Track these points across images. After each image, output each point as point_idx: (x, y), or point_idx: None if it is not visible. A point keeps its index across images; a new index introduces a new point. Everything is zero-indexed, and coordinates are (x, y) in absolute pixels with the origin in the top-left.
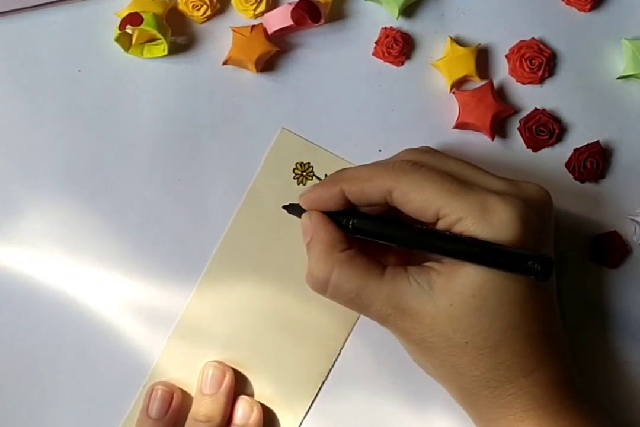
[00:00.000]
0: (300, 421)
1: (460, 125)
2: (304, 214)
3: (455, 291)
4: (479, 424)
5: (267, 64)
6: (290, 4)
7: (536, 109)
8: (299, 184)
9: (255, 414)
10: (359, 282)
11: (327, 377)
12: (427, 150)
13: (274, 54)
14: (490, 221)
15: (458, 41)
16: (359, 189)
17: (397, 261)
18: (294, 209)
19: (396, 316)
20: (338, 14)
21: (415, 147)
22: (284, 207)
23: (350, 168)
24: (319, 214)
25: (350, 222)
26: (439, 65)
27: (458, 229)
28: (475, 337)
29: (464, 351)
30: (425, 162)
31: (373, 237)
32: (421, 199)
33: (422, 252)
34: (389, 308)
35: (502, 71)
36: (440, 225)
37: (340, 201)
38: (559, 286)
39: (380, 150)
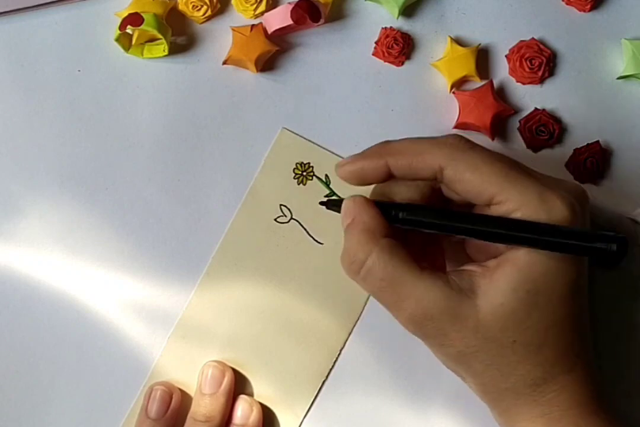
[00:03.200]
0: (300, 421)
1: (460, 125)
2: (346, 199)
3: (507, 288)
4: (510, 424)
5: (267, 64)
6: (290, 3)
7: (536, 109)
8: (299, 184)
9: (255, 414)
10: (395, 271)
11: (327, 377)
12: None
13: (274, 53)
14: (549, 213)
15: (458, 41)
16: (406, 163)
17: (435, 264)
18: (333, 203)
19: (433, 319)
20: (338, 14)
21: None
22: (321, 203)
23: (396, 140)
24: (363, 198)
25: (400, 214)
26: (439, 65)
27: (514, 217)
28: (523, 334)
29: (512, 350)
30: (477, 144)
31: (424, 227)
32: (477, 180)
33: (484, 242)
34: (423, 308)
35: (502, 71)
36: (493, 212)
37: (382, 175)
38: None
39: None
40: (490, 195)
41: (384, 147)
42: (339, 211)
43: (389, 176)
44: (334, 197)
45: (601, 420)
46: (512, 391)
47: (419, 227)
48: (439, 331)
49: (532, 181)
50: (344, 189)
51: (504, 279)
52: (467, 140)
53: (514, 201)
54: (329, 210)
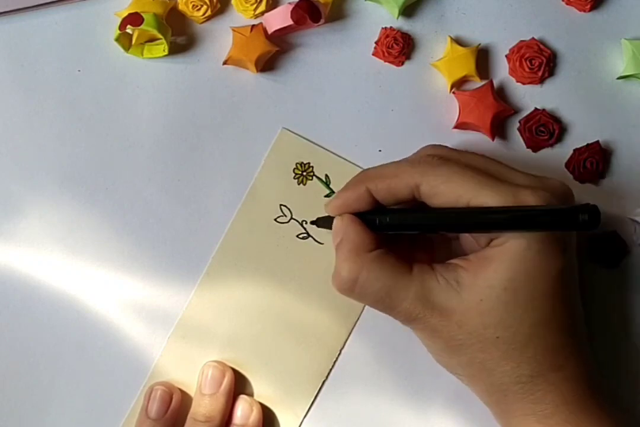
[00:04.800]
0: (300, 421)
1: (460, 126)
2: (336, 218)
3: (485, 285)
4: (504, 421)
5: (267, 64)
6: (290, 4)
7: (536, 109)
8: (299, 184)
9: (255, 414)
10: (387, 281)
11: (327, 377)
12: (448, 147)
13: (274, 53)
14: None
15: (458, 41)
16: (385, 186)
17: (423, 260)
18: (324, 222)
19: (425, 314)
20: (338, 14)
21: (437, 144)
22: (312, 222)
23: (372, 167)
24: (350, 216)
25: (380, 220)
26: (439, 65)
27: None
28: (506, 332)
29: (496, 346)
30: (449, 157)
31: (410, 229)
32: (450, 191)
33: (454, 236)
34: (418, 306)
35: (502, 71)
36: None
37: (367, 200)
38: None
39: (380, 150)
40: (467, 202)
41: (364, 174)
42: (329, 228)
43: (375, 202)
44: (324, 216)
45: (593, 417)
46: (498, 386)
47: (404, 231)
48: (429, 324)
49: (504, 183)
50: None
51: (483, 276)
52: (440, 157)
53: (489, 203)
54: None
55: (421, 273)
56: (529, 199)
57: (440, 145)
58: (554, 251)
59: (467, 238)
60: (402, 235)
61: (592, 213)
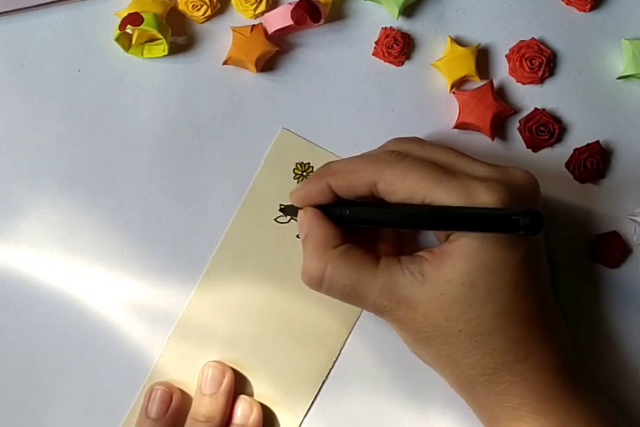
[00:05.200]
0: (300, 421)
1: (460, 126)
2: (300, 211)
3: (445, 279)
4: (477, 412)
5: (267, 64)
6: (290, 4)
7: (536, 109)
8: (299, 184)
9: (255, 414)
10: (353, 276)
11: (327, 377)
12: (414, 139)
13: (274, 54)
14: (473, 204)
15: (458, 41)
16: (344, 182)
17: (391, 251)
18: (291, 210)
19: (392, 307)
20: (338, 14)
21: (403, 136)
22: (281, 209)
23: (336, 161)
24: (313, 210)
25: (340, 213)
26: (439, 65)
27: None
28: (468, 325)
29: (458, 339)
30: (410, 151)
31: (367, 223)
32: (406, 188)
33: (416, 230)
34: (384, 299)
35: (502, 71)
36: None
37: (329, 195)
38: (557, 285)
39: None
40: (421, 200)
41: (326, 168)
42: (296, 216)
43: (337, 196)
44: (290, 204)
45: (564, 406)
46: (465, 378)
47: (362, 224)
48: (396, 317)
49: (458, 178)
50: None
51: (443, 270)
52: (399, 153)
53: (441, 200)
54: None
55: (387, 266)
56: (481, 195)
57: (404, 138)
58: (511, 243)
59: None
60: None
61: (533, 218)
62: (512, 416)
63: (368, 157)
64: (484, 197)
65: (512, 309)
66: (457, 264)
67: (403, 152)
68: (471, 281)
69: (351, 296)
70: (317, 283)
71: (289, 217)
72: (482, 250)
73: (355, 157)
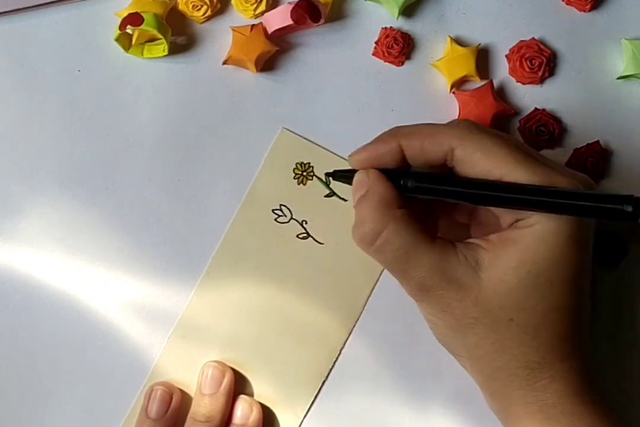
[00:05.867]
0: (300, 421)
1: None
2: (359, 171)
3: (508, 266)
4: (502, 408)
5: (267, 64)
6: (290, 3)
7: (536, 109)
8: (299, 184)
9: (255, 414)
10: (411, 242)
11: (327, 377)
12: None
13: (274, 53)
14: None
15: (458, 41)
16: (419, 144)
17: (443, 234)
18: (342, 176)
19: (442, 287)
20: (338, 14)
21: None
22: (328, 174)
23: (406, 125)
24: (377, 171)
25: (404, 182)
26: (439, 65)
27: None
28: (520, 315)
29: (508, 328)
30: (488, 129)
31: (437, 194)
32: (486, 161)
33: (489, 214)
34: (435, 276)
35: (502, 71)
36: None
37: (396, 157)
38: None
39: None
40: (499, 176)
41: (397, 130)
42: (346, 182)
43: (402, 160)
44: (343, 169)
45: (595, 411)
46: (505, 371)
47: (430, 195)
48: (443, 298)
49: (541, 165)
50: (344, 189)
51: (506, 257)
52: (478, 124)
53: (523, 180)
54: (329, 210)
55: (443, 245)
56: (563, 184)
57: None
58: (582, 239)
59: (485, 219)
60: (426, 208)
61: (637, 205)
62: (546, 413)
63: (445, 124)
64: (567, 186)
65: (566, 306)
66: (526, 251)
67: (482, 128)
68: (537, 270)
69: (400, 261)
70: (371, 240)
71: (288, 217)
72: (553, 241)
73: (428, 123)
